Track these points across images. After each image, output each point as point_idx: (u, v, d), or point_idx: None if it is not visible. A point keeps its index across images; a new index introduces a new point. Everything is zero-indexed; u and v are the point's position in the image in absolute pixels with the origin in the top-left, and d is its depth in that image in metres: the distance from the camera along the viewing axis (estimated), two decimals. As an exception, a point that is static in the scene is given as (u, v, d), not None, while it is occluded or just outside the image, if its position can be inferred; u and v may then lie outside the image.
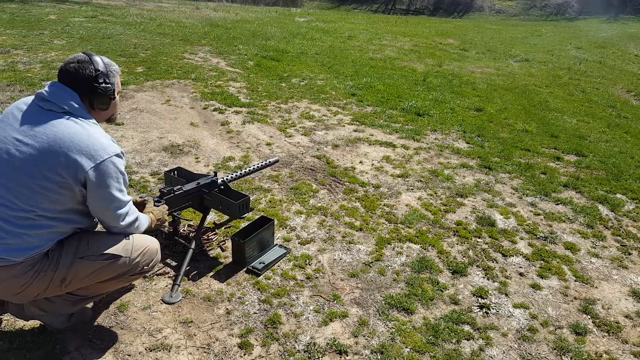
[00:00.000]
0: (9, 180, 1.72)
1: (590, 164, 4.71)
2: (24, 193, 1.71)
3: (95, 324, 2.20)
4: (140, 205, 2.26)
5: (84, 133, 1.77)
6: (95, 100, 1.89)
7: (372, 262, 2.84)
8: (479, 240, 3.19)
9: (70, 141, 1.73)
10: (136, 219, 2.00)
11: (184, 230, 2.90)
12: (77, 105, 1.83)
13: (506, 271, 2.88)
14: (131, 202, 1.97)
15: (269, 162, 3.23)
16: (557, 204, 3.82)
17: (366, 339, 2.25)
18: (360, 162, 4.30)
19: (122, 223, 1.93)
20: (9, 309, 2.08)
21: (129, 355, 2.04)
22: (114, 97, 1.97)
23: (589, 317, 2.55)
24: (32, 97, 1.85)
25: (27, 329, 2.12)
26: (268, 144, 4.50)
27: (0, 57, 6.47)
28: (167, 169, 3.50)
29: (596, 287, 2.81)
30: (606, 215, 3.70)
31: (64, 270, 1.82)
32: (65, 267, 1.82)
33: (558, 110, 6.75)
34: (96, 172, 1.76)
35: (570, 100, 7.49)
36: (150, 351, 2.08)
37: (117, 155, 1.83)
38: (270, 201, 3.44)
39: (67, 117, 1.79)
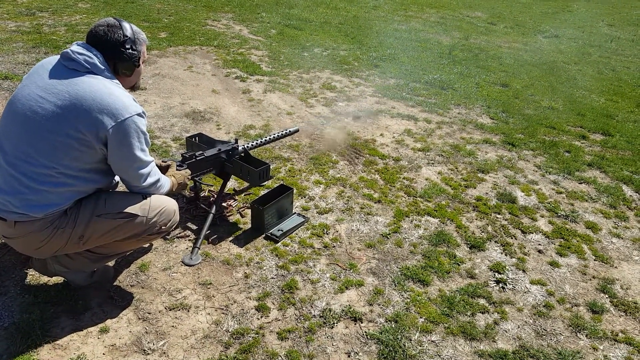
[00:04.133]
0: (32, 136, 1.75)
1: (616, 143, 4.59)
2: (45, 150, 1.74)
3: (117, 282, 2.26)
4: (163, 169, 2.29)
5: (106, 92, 1.78)
6: (119, 65, 1.92)
7: (389, 234, 2.84)
8: (498, 216, 3.16)
9: (92, 99, 1.75)
10: (158, 180, 2.02)
11: (204, 195, 2.93)
12: (102, 67, 1.84)
13: (525, 248, 2.86)
14: (154, 163, 1.99)
15: (290, 131, 3.22)
16: (581, 183, 3.75)
17: (381, 308, 2.27)
18: (381, 134, 4.26)
19: (144, 183, 1.96)
20: (33, 265, 2.15)
21: (149, 314, 2.10)
22: (139, 65, 1.99)
23: (607, 296, 2.53)
24: (58, 56, 1.87)
25: (51, 284, 2.20)
26: (289, 114, 4.48)
27: (26, 19, 6.51)
28: (188, 134, 3.53)
29: (616, 267, 2.78)
30: (630, 196, 3.62)
31: (82, 228, 1.86)
32: (83, 225, 1.86)
33: (586, 89, 6.55)
34: (117, 131, 1.77)
35: (599, 78, 7.25)
36: (170, 310, 2.13)
37: (139, 115, 1.84)
38: (289, 170, 3.45)
39: (90, 76, 1.81)
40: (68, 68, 1.81)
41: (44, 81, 1.80)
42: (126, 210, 1.93)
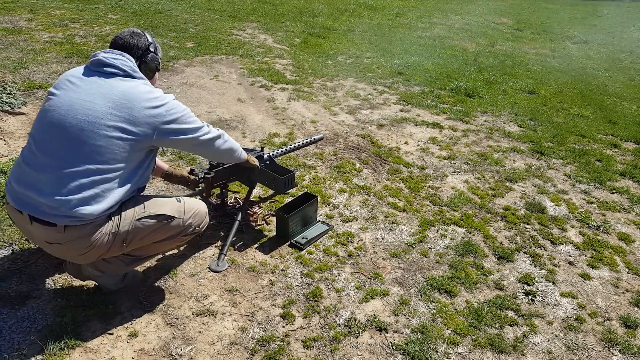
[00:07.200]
0: (78, 143, 1.82)
1: (650, 152, 4.46)
2: (90, 154, 1.81)
3: (146, 287, 2.30)
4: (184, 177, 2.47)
5: (146, 89, 1.95)
6: (144, 68, 2.10)
7: (414, 243, 2.82)
8: (527, 226, 3.10)
9: (138, 98, 1.89)
10: (222, 133, 2.22)
11: (231, 203, 2.96)
12: (136, 68, 2.00)
13: (555, 259, 2.80)
14: (206, 124, 2.15)
15: (314, 139, 3.24)
16: (612, 193, 3.65)
17: (407, 318, 2.25)
18: (406, 142, 4.24)
19: (217, 141, 2.17)
20: (67, 269, 2.21)
21: (177, 319, 2.13)
22: (159, 69, 2.19)
23: (642, 310, 2.45)
24: (82, 67, 1.99)
25: (82, 288, 2.25)
26: (313, 122, 4.50)
27: (59, 30, 6.72)
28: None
29: (651, 281, 2.69)
30: (666, 206, 3.51)
31: (125, 231, 1.94)
32: (126, 228, 1.94)
33: (617, 96, 6.40)
34: (168, 118, 1.94)
35: (630, 85, 7.07)
36: (197, 316, 2.16)
37: (174, 99, 2.02)
38: (314, 178, 3.46)
39: (129, 78, 1.96)
40: (105, 72, 1.93)
41: (83, 88, 1.88)
42: (164, 212, 2.04)
